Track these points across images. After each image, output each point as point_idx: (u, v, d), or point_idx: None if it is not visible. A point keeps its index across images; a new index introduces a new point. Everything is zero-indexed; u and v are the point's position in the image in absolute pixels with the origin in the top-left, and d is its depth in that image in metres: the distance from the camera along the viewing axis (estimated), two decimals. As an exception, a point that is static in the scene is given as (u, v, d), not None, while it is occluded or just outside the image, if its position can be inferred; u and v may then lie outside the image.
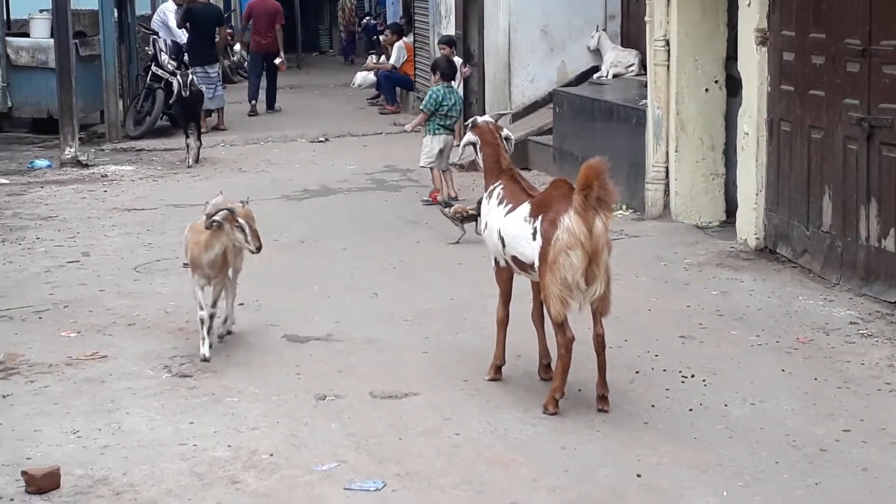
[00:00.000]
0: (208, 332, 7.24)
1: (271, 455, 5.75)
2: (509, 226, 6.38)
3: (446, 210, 10.38)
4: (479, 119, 7.06)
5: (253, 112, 19.25)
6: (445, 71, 12.34)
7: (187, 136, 14.69)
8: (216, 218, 7.00)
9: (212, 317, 7.31)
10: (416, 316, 8.00)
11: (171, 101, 15.89)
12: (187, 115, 14.91)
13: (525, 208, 6.30)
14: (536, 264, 6.14)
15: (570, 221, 5.91)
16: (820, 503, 5.18)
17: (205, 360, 7.11)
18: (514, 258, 6.41)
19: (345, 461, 5.67)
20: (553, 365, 6.46)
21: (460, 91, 14.33)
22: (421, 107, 12.48)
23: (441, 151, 11.94)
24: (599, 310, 6.14)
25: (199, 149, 14.75)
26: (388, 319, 7.94)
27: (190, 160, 14.54)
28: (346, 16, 29.55)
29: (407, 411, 6.35)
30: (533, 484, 5.42)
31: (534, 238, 6.17)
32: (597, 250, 5.94)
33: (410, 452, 5.78)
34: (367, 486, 5.39)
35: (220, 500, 5.28)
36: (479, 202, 7.25)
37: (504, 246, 6.45)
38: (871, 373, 6.75)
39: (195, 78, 15.46)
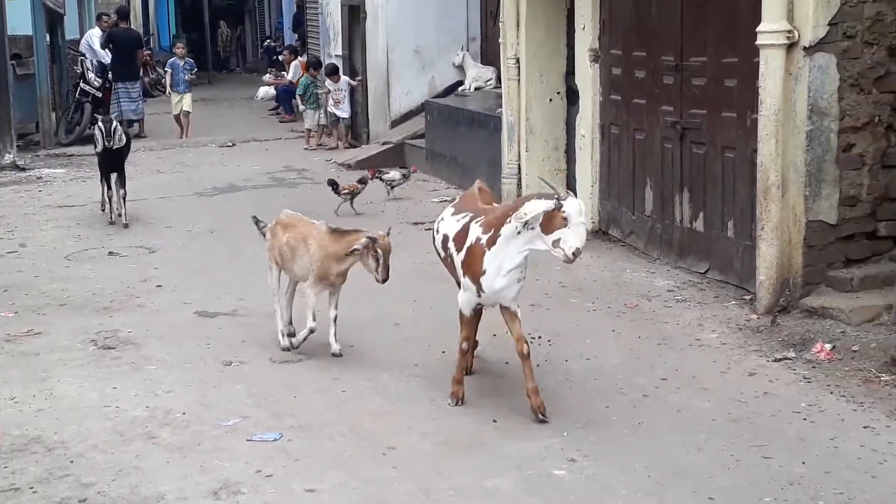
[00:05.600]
0: (304, 339, 6.56)
1: (184, 414, 5.67)
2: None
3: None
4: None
5: None
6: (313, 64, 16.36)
7: (109, 189, 10.64)
8: (356, 247, 6.28)
9: (335, 319, 6.52)
10: (309, 293, 7.93)
11: (95, 151, 11.00)
12: (110, 167, 10.64)
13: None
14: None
15: None
16: (641, 438, 5.27)
17: (337, 354, 6.51)
18: None
19: (247, 417, 5.61)
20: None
21: (347, 102, 15.46)
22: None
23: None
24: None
25: (124, 198, 10.71)
26: (286, 296, 7.87)
27: (113, 215, 10.63)
28: (224, 41, 32.08)
29: (301, 373, 6.30)
30: (407, 431, 5.43)
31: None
32: None
33: (304, 408, 5.74)
34: (266, 437, 5.34)
35: (139, 452, 5.19)
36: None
37: None
38: (685, 331, 6.90)
39: (119, 126, 10.74)
